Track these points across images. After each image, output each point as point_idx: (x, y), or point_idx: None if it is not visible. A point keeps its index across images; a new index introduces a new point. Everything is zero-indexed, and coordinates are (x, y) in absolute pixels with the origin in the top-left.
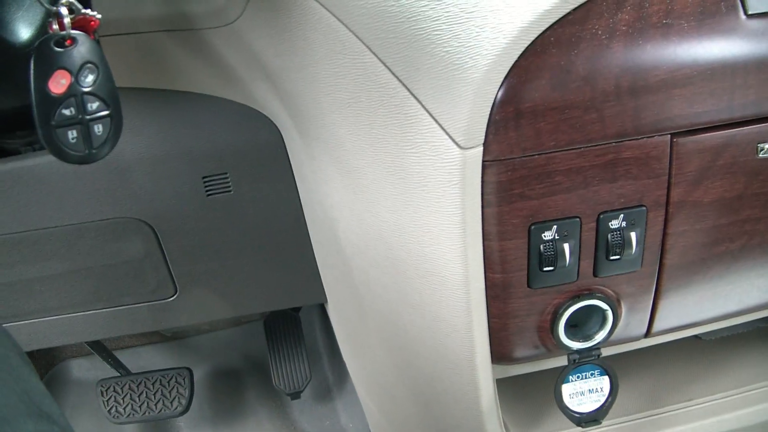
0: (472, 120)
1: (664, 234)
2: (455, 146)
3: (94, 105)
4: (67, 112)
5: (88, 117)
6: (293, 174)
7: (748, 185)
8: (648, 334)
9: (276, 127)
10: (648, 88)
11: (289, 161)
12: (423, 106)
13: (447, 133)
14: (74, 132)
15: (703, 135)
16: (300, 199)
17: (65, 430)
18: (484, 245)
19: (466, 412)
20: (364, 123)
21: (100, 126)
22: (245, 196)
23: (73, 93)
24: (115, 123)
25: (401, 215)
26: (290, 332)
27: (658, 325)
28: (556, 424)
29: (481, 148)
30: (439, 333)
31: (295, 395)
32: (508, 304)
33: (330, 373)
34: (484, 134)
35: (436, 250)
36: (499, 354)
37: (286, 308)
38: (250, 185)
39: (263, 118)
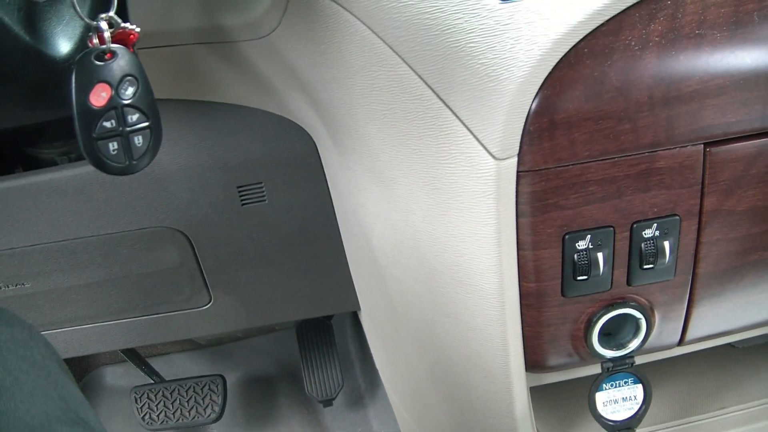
0: (506, 131)
1: (698, 243)
2: (490, 157)
3: (134, 117)
4: (107, 124)
5: (128, 129)
6: (327, 184)
7: None
8: (681, 342)
9: (310, 137)
10: (681, 98)
11: (323, 171)
12: (458, 117)
13: (482, 144)
14: (115, 144)
15: (736, 144)
16: (334, 209)
17: None
18: (518, 255)
19: (500, 420)
20: (399, 134)
21: (140, 137)
22: (279, 206)
23: (113, 105)
24: (155, 134)
25: (436, 225)
26: (322, 340)
27: (691, 333)
28: (589, 430)
29: (515, 159)
30: (473, 341)
31: (328, 402)
32: (542, 312)
33: (362, 380)
34: (518, 145)
35: (470, 259)
36: (533, 362)
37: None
38: (285, 195)
39: (298, 129)
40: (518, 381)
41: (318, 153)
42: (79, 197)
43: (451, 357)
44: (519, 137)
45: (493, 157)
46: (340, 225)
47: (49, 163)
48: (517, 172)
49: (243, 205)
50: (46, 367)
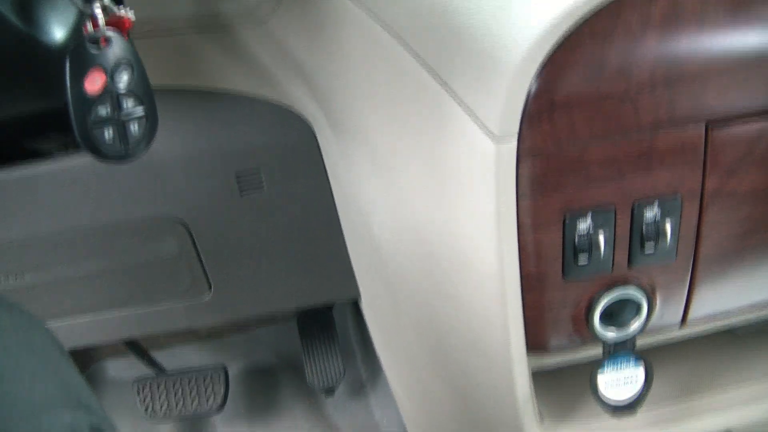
0: (506, 112)
1: (699, 224)
2: (489, 139)
3: (129, 104)
4: (103, 111)
5: (123, 116)
6: (326, 171)
7: None
8: (683, 323)
9: (309, 124)
10: (683, 79)
11: (322, 158)
12: (457, 99)
13: (481, 126)
14: (110, 131)
15: (738, 124)
16: (333, 197)
17: (103, 420)
18: (518, 237)
19: (502, 404)
20: (398, 118)
21: (136, 125)
22: (278, 194)
23: (108, 92)
24: (151, 121)
25: (436, 209)
26: (323, 330)
27: (693, 314)
28: (591, 413)
29: (515, 140)
30: (475, 325)
31: (329, 392)
32: (543, 295)
33: (363, 369)
34: (518, 126)
35: (470, 242)
36: (535, 345)
37: (320, 305)
38: (283, 183)
39: (296, 116)
40: (520, 364)
41: (317, 141)
42: (76, 188)
43: (452, 341)
44: (519, 119)
45: (493, 138)
46: (339, 213)
47: (47, 156)
48: (517, 153)
49: (242, 194)
50: (47, 352)
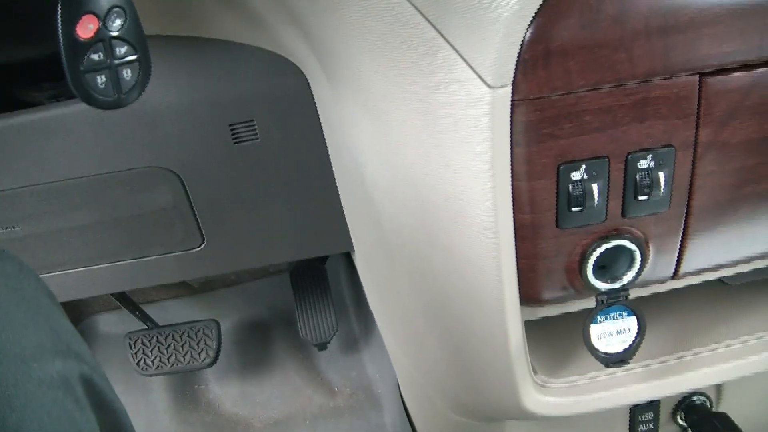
0: (501, 59)
1: (692, 175)
2: (484, 86)
3: (122, 49)
4: (95, 57)
5: (116, 61)
6: (320, 121)
7: None
8: (675, 275)
9: (302, 73)
10: (677, 28)
11: (316, 108)
12: (452, 46)
13: (476, 73)
14: (103, 77)
15: (732, 75)
16: (327, 147)
17: (94, 369)
18: (513, 186)
19: (495, 355)
20: (392, 65)
21: (129, 70)
22: (272, 144)
23: (101, 38)
24: (144, 67)
25: (430, 157)
26: (316, 284)
27: (685, 267)
28: (584, 366)
29: (510, 88)
30: (468, 275)
31: (322, 346)
32: (536, 244)
33: (356, 324)
34: (513, 73)
35: (465, 190)
36: (528, 296)
37: (313, 259)
38: (277, 133)
39: (290, 65)
40: (513, 314)
41: (310, 89)
42: (68, 137)
43: (446, 292)
44: (513, 66)
45: (488, 85)
46: (332, 163)
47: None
48: (512, 101)
49: (235, 143)
50: (37, 300)
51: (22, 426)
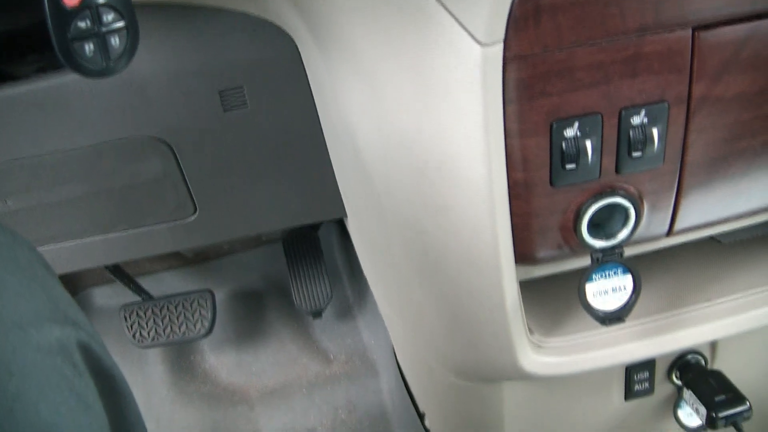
0: (491, 16)
1: (686, 130)
2: (475, 43)
3: (109, 16)
4: (82, 24)
5: (104, 29)
6: (310, 87)
7: None
8: (670, 232)
9: (292, 39)
10: None
11: (306, 74)
12: (442, 4)
13: (467, 31)
14: (91, 45)
15: (724, 28)
16: (318, 113)
17: (92, 336)
18: (506, 143)
19: (491, 314)
20: (382, 26)
21: (117, 38)
22: (263, 112)
23: (87, 5)
24: (132, 35)
25: (422, 117)
26: (309, 252)
27: (680, 224)
28: (579, 325)
29: (501, 45)
30: (463, 235)
31: (317, 314)
32: (531, 203)
33: (350, 291)
34: (504, 30)
35: (458, 150)
36: (523, 255)
37: (305, 226)
38: (268, 100)
39: (279, 31)
40: (508, 274)
41: (299, 55)
42: (57, 109)
43: (442, 253)
44: (504, 23)
45: (479, 43)
46: (324, 130)
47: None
48: (504, 58)
49: (226, 112)
50: (32, 269)
51: (22, 391)
